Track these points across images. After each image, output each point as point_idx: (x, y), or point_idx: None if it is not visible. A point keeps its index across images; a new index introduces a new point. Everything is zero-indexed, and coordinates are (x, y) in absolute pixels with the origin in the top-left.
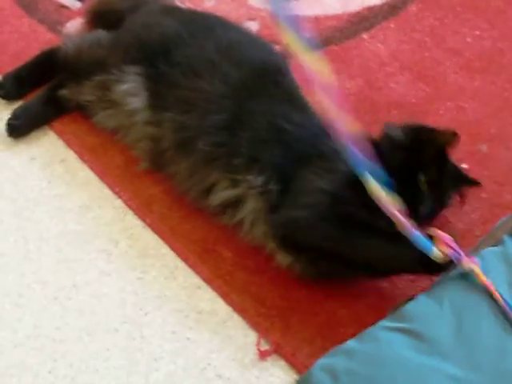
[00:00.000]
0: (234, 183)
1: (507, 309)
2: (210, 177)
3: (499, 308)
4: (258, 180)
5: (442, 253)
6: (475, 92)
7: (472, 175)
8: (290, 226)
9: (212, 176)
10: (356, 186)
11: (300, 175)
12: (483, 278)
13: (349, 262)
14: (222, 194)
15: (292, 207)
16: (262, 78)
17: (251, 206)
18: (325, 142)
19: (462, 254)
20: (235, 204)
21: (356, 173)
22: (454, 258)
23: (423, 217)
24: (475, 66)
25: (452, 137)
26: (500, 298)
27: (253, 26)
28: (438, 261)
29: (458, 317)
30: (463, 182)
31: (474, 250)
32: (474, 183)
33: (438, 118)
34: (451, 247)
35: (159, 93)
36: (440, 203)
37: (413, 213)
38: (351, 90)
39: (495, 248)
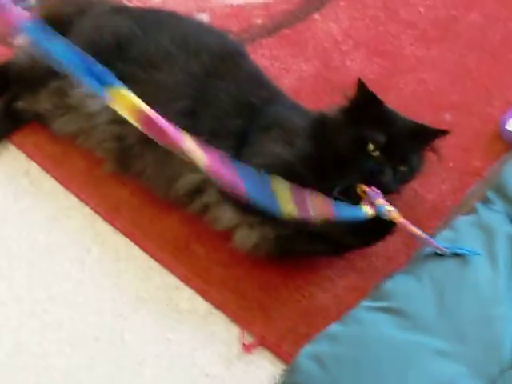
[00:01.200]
0: (196, 167)
1: (433, 243)
2: (175, 165)
3: (480, 278)
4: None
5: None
6: (433, 62)
7: (439, 145)
8: None
9: (177, 163)
10: (308, 163)
11: (258, 141)
12: (399, 219)
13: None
14: (187, 180)
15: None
16: (222, 61)
17: (215, 187)
18: (289, 118)
19: (378, 194)
20: (201, 189)
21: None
22: (372, 198)
23: (391, 186)
24: (431, 35)
25: (363, 87)
26: (420, 233)
27: (203, 18)
28: (368, 216)
29: (439, 291)
30: (429, 136)
31: (446, 221)
32: (441, 133)
33: (398, 92)
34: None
35: None
36: (405, 165)
37: (379, 187)
38: (308, 72)
39: (468, 217)
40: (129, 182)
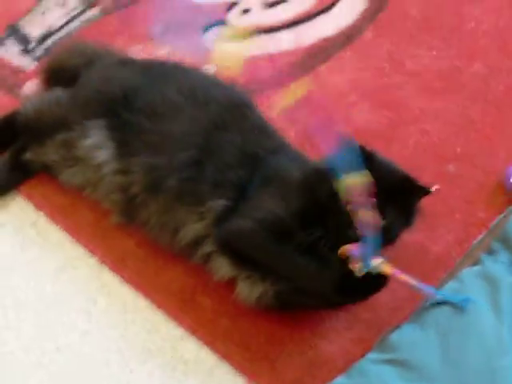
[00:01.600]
0: (201, 216)
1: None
2: (178, 214)
3: (485, 328)
4: (218, 203)
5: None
6: (437, 113)
7: (444, 196)
8: (233, 233)
9: (180, 213)
10: (299, 218)
11: (257, 194)
12: (391, 270)
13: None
14: (190, 230)
15: (240, 217)
16: (229, 113)
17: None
18: (288, 170)
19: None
20: (202, 239)
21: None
22: (355, 256)
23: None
24: (435, 86)
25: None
26: (414, 282)
27: (210, 70)
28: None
29: (444, 341)
30: (412, 193)
31: (451, 273)
32: (422, 192)
33: (402, 144)
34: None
35: (125, 141)
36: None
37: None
38: (313, 124)
39: (474, 268)
40: (135, 233)
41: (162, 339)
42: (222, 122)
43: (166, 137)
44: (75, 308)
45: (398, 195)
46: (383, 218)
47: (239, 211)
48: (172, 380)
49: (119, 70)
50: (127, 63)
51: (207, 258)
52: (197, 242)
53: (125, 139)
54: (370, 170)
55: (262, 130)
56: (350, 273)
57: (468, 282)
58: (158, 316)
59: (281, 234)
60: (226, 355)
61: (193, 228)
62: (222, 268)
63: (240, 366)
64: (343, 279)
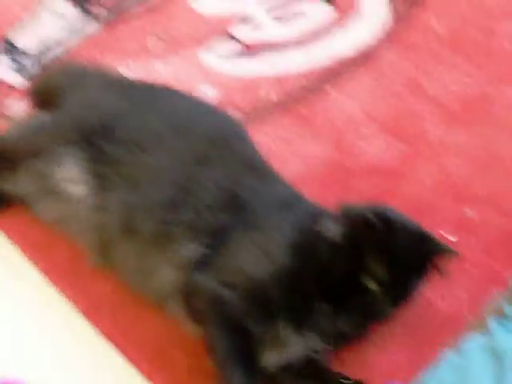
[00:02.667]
0: (174, 263)
1: None
2: (152, 260)
3: None
4: (190, 249)
5: None
6: (459, 148)
7: (460, 246)
8: (195, 290)
9: (154, 259)
10: (285, 281)
11: (233, 247)
12: None
13: None
14: (163, 279)
15: (208, 273)
16: (214, 146)
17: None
18: (275, 219)
19: None
20: (176, 289)
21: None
22: None
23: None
24: (459, 117)
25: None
26: None
27: (207, 91)
28: None
29: None
30: (435, 251)
31: (457, 338)
32: (449, 252)
33: (416, 182)
34: None
35: (103, 174)
36: (400, 299)
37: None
38: (318, 156)
39: (480, 338)
40: (112, 277)
41: None
42: (204, 157)
43: (144, 172)
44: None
45: (415, 258)
46: (405, 295)
47: (211, 261)
48: None
49: (101, 95)
50: (112, 86)
51: (176, 312)
52: (169, 292)
53: (102, 172)
54: (386, 238)
55: (251, 166)
56: None
57: (471, 358)
58: (130, 373)
59: (262, 303)
60: None
61: (165, 276)
62: (193, 327)
63: None
64: None
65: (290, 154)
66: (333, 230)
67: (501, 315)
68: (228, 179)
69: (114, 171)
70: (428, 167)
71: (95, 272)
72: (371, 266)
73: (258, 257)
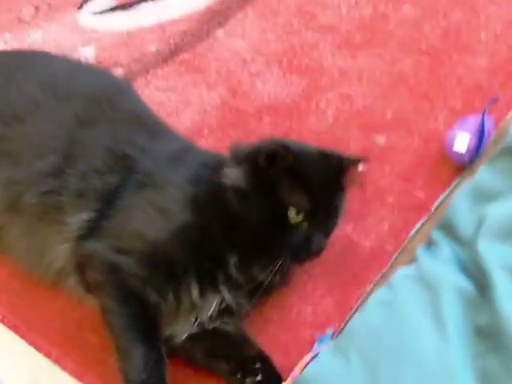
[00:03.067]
0: (65, 236)
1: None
2: (42, 236)
3: (424, 351)
4: (79, 218)
5: None
6: (360, 73)
7: (372, 176)
8: (85, 258)
9: (44, 234)
10: (188, 239)
11: (125, 209)
12: None
13: None
14: (57, 255)
15: (106, 243)
16: (97, 105)
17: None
18: (169, 175)
19: None
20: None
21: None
22: None
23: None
24: (356, 40)
25: (289, 157)
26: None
27: (89, 53)
28: None
29: (372, 374)
30: (343, 165)
31: (383, 276)
32: (357, 161)
33: (319, 116)
34: None
35: None
36: (329, 224)
37: (304, 256)
38: (212, 102)
39: (408, 268)
40: (8, 261)
41: None
42: (89, 119)
43: (24, 143)
44: None
45: (328, 178)
46: (335, 217)
47: (102, 226)
48: None
49: None
50: None
51: (77, 288)
52: (64, 268)
53: None
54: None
55: (139, 122)
56: None
57: (400, 291)
58: (39, 362)
59: (165, 265)
60: None
61: (59, 251)
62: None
63: None
64: None
65: (182, 104)
66: (234, 176)
67: (428, 242)
68: (115, 139)
69: None
70: (329, 98)
71: None
72: (288, 199)
73: (153, 216)
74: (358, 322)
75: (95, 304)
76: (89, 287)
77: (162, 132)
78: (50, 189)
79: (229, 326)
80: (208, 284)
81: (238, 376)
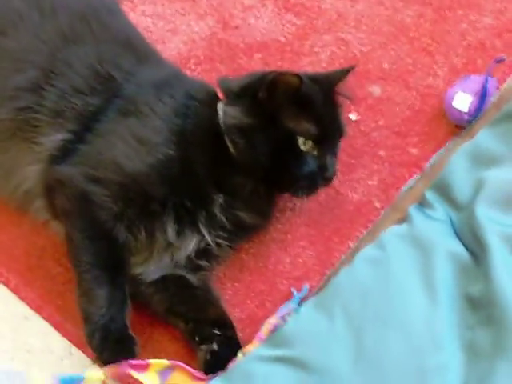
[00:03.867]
0: (37, 156)
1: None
2: (12, 155)
3: (412, 314)
4: (54, 138)
5: None
6: (359, 18)
7: (364, 127)
8: (57, 181)
9: (14, 153)
10: (169, 174)
11: (106, 130)
12: None
13: None
14: (25, 175)
15: (74, 163)
16: (83, 21)
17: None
18: (155, 102)
19: None
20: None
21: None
22: None
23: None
24: None
25: (295, 79)
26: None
27: None
28: None
29: (357, 333)
30: (334, 83)
31: (370, 232)
32: (346, 72)
33: (313, 58)
34: None
35: None
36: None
37: (320, 184)
38: (201, 33)
39: (399, 227)
40: None
41: (1, 319)
42: (74, 35)
43: (3, 57)
44: None
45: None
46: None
47: (78, 151)
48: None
49: None
50: None
51: (44, 212)
52: (32, 190)
53: None
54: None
55: (126, 43)
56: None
57: (391, 249)
58: None
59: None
60: (79, 341)
61: (28, 172)
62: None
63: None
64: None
65: (169, 32)
66: (233, 115)
67: (421, 201)
68: (100, 59)
69: None
70: (325, 41)
71: None
72: (294, 127)
73: (133, 147)
74: (343, 278)
75: (60, 232)
76: (55, 213)
77: (150, 57)
78: (26, 105)
79: (197, 278)
80: (187, 223)
81: (196, 339)
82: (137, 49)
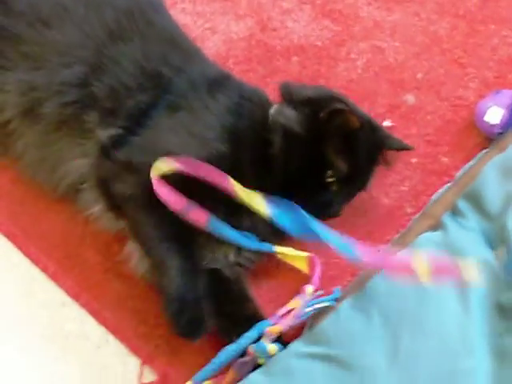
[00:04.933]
0: (84, 150)
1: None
2: (58, 148)
3: (447, 320)
4: (105, 133)
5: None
6: (394, 28)
7: (397, 134)
8: (116, 167)
9: (60, 146)
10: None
11: (157, 126)
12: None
13: None
14: (72, 168)
15: (132, 148)
16: (129, 18)
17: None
18: (206, 99)
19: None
20: (87, 180)
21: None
22: None
23: (336, 215)
24: None
25: (356, 122)
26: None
27: None
28: None
29: (393, 335)
30: (387, 146)
31: (402, 236)
32: (403, 148)
33: (349, 64)
34: None
35: (0, 51)
36: (353, 194)
37: (320, 215)
38: (240, 34)
39: (434, 234)
40: (11, 167)
41: (39, 305)
42: (120, 31)
43: (48, 49)
44: None
45: (376, 156)
46: (361, 190)
47: (130, 142)
48: (48, 357)
49: None
50: None
51: (91, 204)
52: (79, 184)
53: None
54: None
55: (172, 41)
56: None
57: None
58: (34, 275)
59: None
60: (115, 329)
61: (75, 165)
62: (109, 220)
63: (133, 344)
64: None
65: (209, 31)
66: (289, 116)
67: (453, 210)
68: (148, 56)
69: (12, 48)
70: (361, 48)
71: None
72: (331, 158)
73: (186, 140)
74: (379, 280)
75: (107, 223)
76: (110, 204)
77: (197, 55)
78: (74, 99)
79: (232, 273)
80: (232, 220)
81: (231, 337)
82: (183, 46)
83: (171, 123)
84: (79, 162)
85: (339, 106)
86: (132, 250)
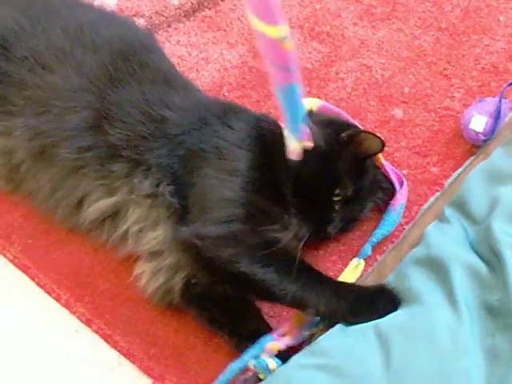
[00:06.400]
0: (111, 191)
1: None
2: (79, 188)
3: (437, 326)
4: (144, 184)
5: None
6: (380, 45)
7: (388, 148)
8: (201, 243)
9: (82, 187)
10: (258, 186)
11: (199, 179)
12: None
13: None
14: (98, 205)
15: (202, 222)
16: (124, 59)
17: (136, 214)
18: (215, 131)
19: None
20: (114, 215)
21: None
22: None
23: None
24: (377, 12)
25: (380, 145)
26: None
27: (111, 1)
28: None
29: (385, 344)
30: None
31: (397, 247)
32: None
33: (339, 84)
34: None
35: (5, 97)
36: (350, 218)
37: (319, 233)
38: (232, 61)
39: (416, 251)
40: (21, 203)
41: (54, 331)
42: (117, 74)
43: (51, 93)
44: None
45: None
46: (361, 214)
47: (192, 209)
48: (63, 380)
49: None
50: (5, 1)
51: (122, 235)
52: (104, 219)
53: (3, 95)
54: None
55: (168, 81)
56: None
57: (410, 274)
58: (47, 303)
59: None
60: (127, 351)
61: (101, 203)
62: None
63: (144, 365)
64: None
65: (203, 61)
66: (313, 130)
67: (440, 217)
68: (148, 100)
69: (17, 94)
70: (349, 67)
71: (2, 199)
72: (342, 176)
73: (229, 180)
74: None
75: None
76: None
77: (192, 90)
78: (89, 145)
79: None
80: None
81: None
82: (177, 84)
83: (211, 173)
84: (104, 202)
85: (360, 129)
86: (140, 272)
